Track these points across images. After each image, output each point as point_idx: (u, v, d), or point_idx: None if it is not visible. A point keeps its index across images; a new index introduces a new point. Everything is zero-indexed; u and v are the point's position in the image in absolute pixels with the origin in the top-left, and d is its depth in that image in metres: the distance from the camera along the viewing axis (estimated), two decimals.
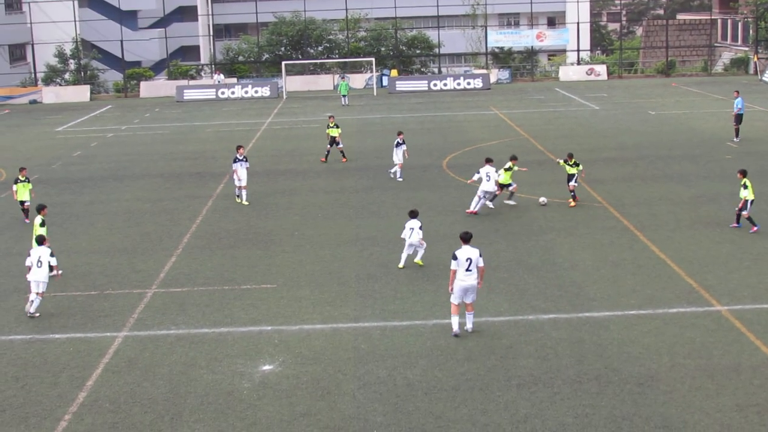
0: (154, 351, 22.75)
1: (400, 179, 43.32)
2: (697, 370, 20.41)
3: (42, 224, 29.42)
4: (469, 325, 23.02)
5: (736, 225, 32.35)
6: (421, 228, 28.57)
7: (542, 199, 35.93)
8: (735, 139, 52.01)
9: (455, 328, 22.79)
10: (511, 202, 37.00)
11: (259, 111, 77.46)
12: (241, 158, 39.56)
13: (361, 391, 19.97)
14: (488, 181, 35.35)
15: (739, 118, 52.23)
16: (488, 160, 36.28)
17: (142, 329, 24.43)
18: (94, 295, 27.48)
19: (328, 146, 49.75)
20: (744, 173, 32.34)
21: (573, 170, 36.65)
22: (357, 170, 47.08)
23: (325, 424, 18.47)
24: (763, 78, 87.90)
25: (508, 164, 37.05)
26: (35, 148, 60.18)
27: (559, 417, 18.35)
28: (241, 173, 39.46)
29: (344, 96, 78.76)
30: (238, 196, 40.01)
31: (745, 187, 31.81)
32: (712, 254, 29.43)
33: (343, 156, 49.91)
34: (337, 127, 49.52)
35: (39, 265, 25.44)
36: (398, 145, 43.69)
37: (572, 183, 36.64)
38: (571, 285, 26.76)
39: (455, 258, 22.48)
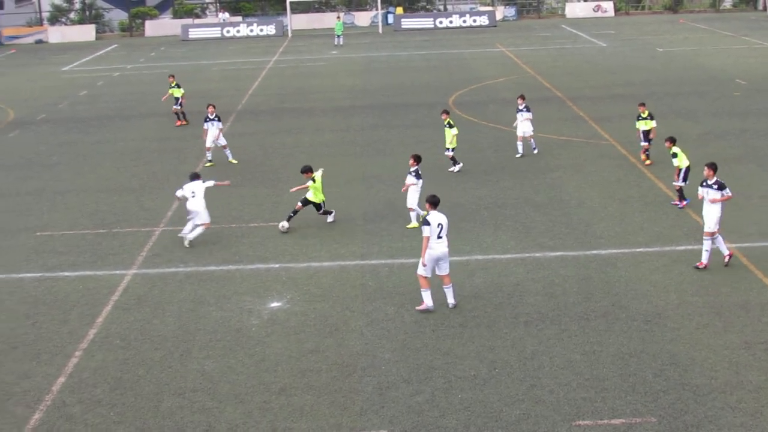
0: (163, 288, 22.85)
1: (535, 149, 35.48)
2: (705, 307, 20.44)
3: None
4: (451, 300, 20.85)
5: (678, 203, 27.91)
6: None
7: (283, 225, 26.88)
8: None
9: (430, 302, 20.64)
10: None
11: (264, 49, 77.07)
12: (212, 117, 35.91)
13: (368, 328, 20.07)
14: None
15: None
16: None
17: (151, 267, 24.52)
18: (103, 234, 27.55)
19: (175, 107, 44.59)
20: (673, 141, 28.03)
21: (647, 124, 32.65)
22: (363, 108, 46.93)
23: (333, 361, 18.58)
24: None
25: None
26: (42, 88, 60.02)
27: (567, 354, 18.43)
28: (212, 133, 35.79)
29: (338, 36, 77.88)
30: (210, 160, 35.94)
31: (675, 155, 27.71)
32: None
33: (180, 119, 44.50)
34: (179, 87, 44.85)
35: (193, 195, 26.17)
36: (519, 111, 34.88)
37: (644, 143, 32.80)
38: (579, 222, 26.76)
39: (428, 224, 20.19)
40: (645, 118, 32.72)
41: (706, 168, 22.97)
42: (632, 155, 33.97)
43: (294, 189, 27.71)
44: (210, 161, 35.83)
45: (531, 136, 35.01)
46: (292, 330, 20.14)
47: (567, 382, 17.21)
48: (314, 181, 26.99)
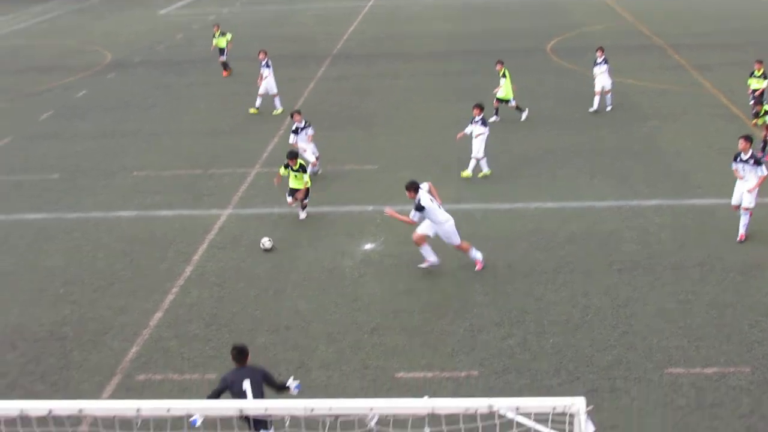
0: (257, 228, 23.08)
1: (609, 107, 33.69)
2: None
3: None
4: (479, 255, 20.27)
5: None
6: None
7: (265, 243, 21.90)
8: None
9: (433, 257, 20.10)
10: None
11: None
12: (263, 63, 35.53)
13: (461, 271, 20.06)
14: None
15: None
16: None
17: (246, 207, 24.79)
18: (199, 174, 27.89)
19: (221, 58, 43.95)
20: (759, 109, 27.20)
21: (759, 83, 31.17)
22: (460, 54, 46.59)
23: (425, 301, 18.65)
24: None
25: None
26: (138, 31, 60.68)
27: (660, 302, 18.24)
28: (268, 80, 35.51)
29: None
30: (276, 107, 35.50)
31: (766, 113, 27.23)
32: None
33: (225, 69, 44.00)
34: (224, 34, 44.02)
35: None
36: (597, 64, 33.45)
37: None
38: (676, 172, 26.34)
39: (421, 209, 19.62)
40: (759, 77, 31.34)
41: (741, 140, 21.18)
42: (733, 105, 33.26)
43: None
44: (256, 108, 35.47)
45: (609, 91, 33.48)
46: (385, 271, 20.24)
47: (660, 330, 17.06)
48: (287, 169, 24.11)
